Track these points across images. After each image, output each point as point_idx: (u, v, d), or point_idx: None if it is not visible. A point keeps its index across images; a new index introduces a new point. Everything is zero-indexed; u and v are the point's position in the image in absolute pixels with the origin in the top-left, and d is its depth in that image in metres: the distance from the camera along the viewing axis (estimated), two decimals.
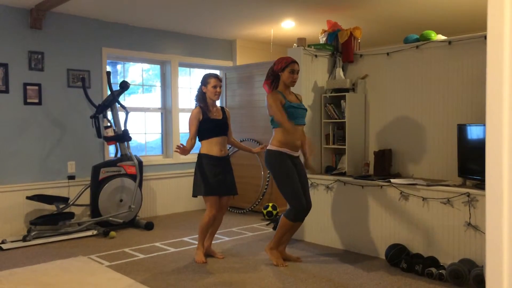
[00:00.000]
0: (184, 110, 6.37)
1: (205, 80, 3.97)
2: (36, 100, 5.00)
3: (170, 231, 5.05)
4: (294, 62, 3.73)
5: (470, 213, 3.41)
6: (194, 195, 3.95)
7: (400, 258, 3.66)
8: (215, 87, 3.93)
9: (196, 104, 4.04)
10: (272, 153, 3.71)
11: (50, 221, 4.70)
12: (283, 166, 3.67)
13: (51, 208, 4.91)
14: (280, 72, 3.72)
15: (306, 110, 3.85)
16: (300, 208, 3.65)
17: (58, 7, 4.82)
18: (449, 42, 4.01)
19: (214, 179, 3.82)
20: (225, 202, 3.99)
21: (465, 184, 3.68)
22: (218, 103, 6.96)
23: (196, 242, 4.55)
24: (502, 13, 1.12)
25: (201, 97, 3.99)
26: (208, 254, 4.03)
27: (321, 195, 4.37)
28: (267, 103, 3.72)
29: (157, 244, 4.52)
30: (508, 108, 1.09)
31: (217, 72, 6.74)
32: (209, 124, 3.90)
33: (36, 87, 4.99)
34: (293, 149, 3.72)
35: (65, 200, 4.94)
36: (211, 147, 3.88)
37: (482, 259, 3.26)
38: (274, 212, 5.47)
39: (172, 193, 6.11)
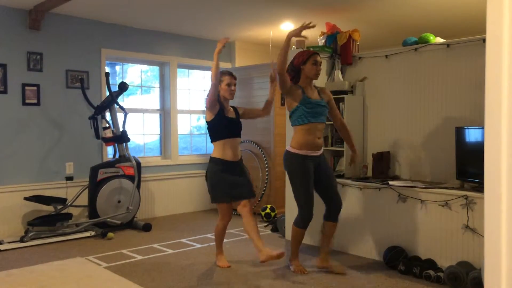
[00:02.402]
0: (182, 112, 6.38)
1: (220, 76, 3.63)
2: (35, 101, 4.99)
3: (168, 233, 5.04)
4: (316, 53, 3.56)
5: (468, 216, 3.42)
6: (213, 200, 3.68)
7: (398, 260, 3.67)
8: (229, 85, 3.62)
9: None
10: (289, 155, 3.56)
11: (48, 222, 4.69)
12: (298, 169, 3.51)
13: (49, 209, 4.90)
14: (301, 65, 3.53)
15: (326, 107, 3.61)
16: (306, 216, 3.54)
17: (57, 8, 4.82)
18: (448, 45, 4.02)
19: (226, 185, 3.57)
20: (245, 205, 3.57)
21: (463, 186, 3.68)
22: None
23: (194, 244, 4.57)
24: (501, 16, 1.13)
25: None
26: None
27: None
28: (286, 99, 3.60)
29: (155, 245, 4.51)
30: (507, 111, 1.10)
31: None
32: (224, 121, 3.58)
33: (35, 88, 4.98)
34: (313, 148, 3.53)
35: (63, 201, 4.93)
36: (225, 150, 3.58)
37: (480, 261, 3.26)
38: (273, 214, 5.47)
39: (170, 195, 6.11)
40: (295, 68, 3.57)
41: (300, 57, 3.56)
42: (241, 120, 3.76)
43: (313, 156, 3.54)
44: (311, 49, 4.61)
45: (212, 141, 3.66)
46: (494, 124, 1.12)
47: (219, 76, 3.56)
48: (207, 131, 3.82)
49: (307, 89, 3.58)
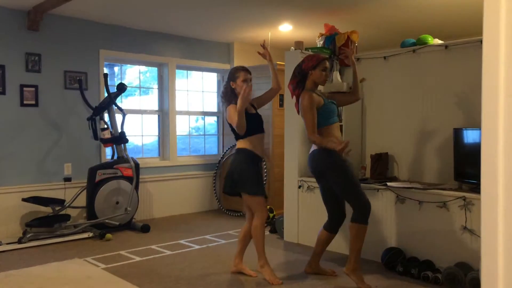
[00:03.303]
0: (181, 113, 6.37)
1: (233, 74, 3.48)
2: (33, 102, 4.98)
3: (166, 234, 5.04)
4: (326, 59, 3.48)
5: (466, 217, 3.42)
6: (255, 193, 3.37)
7: (396, 261, 3.67)
8: (245, 81, 3.44)
9: (224, 103, 3.52)
10: (326, 151, 3.30)
11: (46, 223, 4.69)
12: (339, 161, 3.34)
13: (47, 210, 4.90)
14: (311, 70, 3.41)
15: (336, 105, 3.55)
16: (369, 206, 3.33)
17: (55, 9, 4.82)
18: (446, 47, 4.03)
19: (260, 178, 3.45)
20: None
21: (461, 188, 3.69)
22: (214, 105, 6.96)
23: (193, 245, 4.56)
24: (497, 18, 1.13)
25: (231, 94, 3.46)
26: (240, 271, 3.62)
27: (318, 198, 4.37)
28: (301, 105, 3.37)
29: (153, 246, 4.51)
30: (503, 112, 1.10)
31: (215, 75, 6.76)
32: (250, 118, 3.38)
33: (33, 89, 4.98)
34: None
35: (61, 202, 4.92)
36: (255, 145, 3.40)
37: (478, 262, 3.27)
38: (271, 215, 5.46)
39: (168, 196, 6.10)
40: (303, 72, 3.44)
41: (310, 62, 3.44)
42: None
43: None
44: (310, 50, 4.62)
45: (237, 139, 3.45)
46: (491, 125, 1.12)
47: (233, 73, 3.49)
48: (230, 131, 3.56)
49: (317, 92, 3.50)
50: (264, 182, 3.58)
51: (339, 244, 4.13)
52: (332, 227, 3.55)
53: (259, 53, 3.73)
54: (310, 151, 3.48)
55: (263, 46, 3.68)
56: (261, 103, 3.69)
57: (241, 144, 3.43)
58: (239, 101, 3.19)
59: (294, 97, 3.51)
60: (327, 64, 3.47)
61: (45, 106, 5.07)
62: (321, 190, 3.54)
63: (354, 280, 3.34)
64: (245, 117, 3.32)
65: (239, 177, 3.39)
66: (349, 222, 3.36)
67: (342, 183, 3.34)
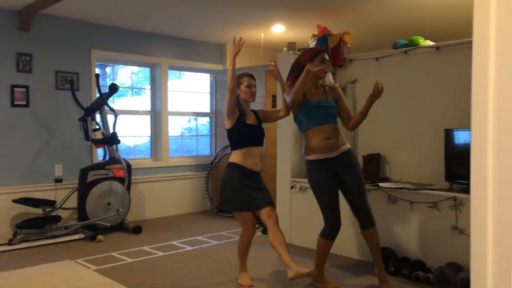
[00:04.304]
0: (173, 114, 6.36)
1: (237, 80, 3.34)
2: (24, 102, 4.95)
3: (158, 235, 5.02)
4: (323, 50, 3.34)
5: (456, 217, 3.44)
6: (220, 210, 3.33)
7: (387, 261, 3.68)
8: (249, 86, 3.34)
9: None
10: (306, 163, 3.35)
11: (37, 225, 4.65)
12: (313, 177, 3.29)
13: (37, 211, 4.86)
14: (308, 62, 3.23)
15: (332, 106, 3.34)
16: (331, 223, 3.24)
17: (47, 9, 4.79)
18: (437, 48, 4.05)
19: (247, 192, 3.26)
20: (269, 210, 3.27)
21: (452, 188, 3.71)
22: (207, 106, 6.94)
23: (185, 246, 4.55)
24: (487, 20, 1.14)
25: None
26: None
27: (310, 198, 4.37)
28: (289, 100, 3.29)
29: (145, 248, 4.49)
30: (493, 113, 1.11)
31: (207, 75, 6.75)
32: (244, 129, 3.30)
33: (24, 89, 4.94)
34: (328, 150, 3.24)
35: (52, 203, 4.89)
36: (245, 159, 3.27)
37: (469, 262, 3.28)
38: None
39: (161, 197, 6.08)
40: (300, 66, 3.26)
41: (307, 54, 3.31)
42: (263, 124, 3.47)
43: (329, 159, 3.25)
44: (302, 51, 4.62)
45: (232, 150, 3.38)
46: (480, 125, 1.13)
47: (237, 78, 3.31)
48: (223, 133, 3.54)
49: (311, 89, 3.32)
50: (266, 193, 3.42)
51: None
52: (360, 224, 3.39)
53: (269, 73, 3.60)
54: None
55: (274, 67, 3.51)
56: (266, 117, 3.53)
57: (232, 157, 3.34)
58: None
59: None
60: (326, 56, 3.31)
61: (36, 107, 5.04)
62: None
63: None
64: (243, 127, 3.30)
65: (224, 193, 3.33)
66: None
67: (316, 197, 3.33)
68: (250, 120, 3.37)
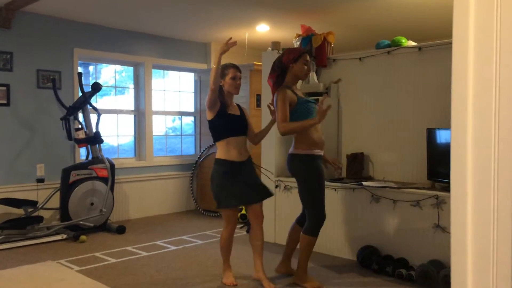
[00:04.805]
0: (158, 113, 6.32)
1: (222, 71, 3.30)
2: (4, 101, 4.87)
3: (142, 235, 4.99)
4: (307, 52, 3.39)
5: (438, 215, 3.49)
6: (219, 206, 3.32)
7: (371, 259, 3.72)
8: (234, 78, 3.30)
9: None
10: (304, 157, 3.28)
11: (18, 225, 4.58)
12: (317, 171, 3.28)
13: (19, 212, 4.79)
14: (292, 63, 3.27)
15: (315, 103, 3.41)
16: (322, 218, 3.30)
17: (28, 6, 4.71)
18: (419, 48, 4.10)
19: (232, 189, 3.26)
20: (259, 210, 3.37)
21: (434, 186, 3.77)
22: (192, 105, 6.91)
23: (169, 246, 4.53)
24: (466, 20, 1.16)
25: (219, 92, 3.30)
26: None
27: (294, 197, 4.39)
28: (275, 101, 3.28)
29: (129, 248, 4.46)
30: (472, 112, 1.13)
31: (191, 74, 6.72)
32: (226, 119, 3.27)
33: (5, 88, 4.86)
34: (323, 147, 3.35)
35: (33, 203, 4.82)
36: (229, 150, 3.26)
37: (450, 260, 3.34)
38: None
39: (144, 196, 6.04)
40: (283, 65, 3.31)
41: (291, 54, 3.31)
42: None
43: (321, 156, 3.38)
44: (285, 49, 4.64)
45: (215, 141, 3.35)
46: (459, 124, 1.15)
47: (222, 69, 3.29)
48: (207, 131, 3.48)
49: (294, 88, 3.37)
50: (258, 183, 3.44)
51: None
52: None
53: (269, 108, 3.57)
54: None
55: (270, 107, 3.54)
56: (246, 120, 3.47)
57: (217, 152, 3.34)
58: (217, 54, 3.09)
59: (272, 92, 3.41)
60: (308, 57, 3.37)
61: (17, 106, 4.96)
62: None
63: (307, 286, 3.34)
64: (225, 117, 3.27)
65: (213, 191, 3.34)
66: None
67: (306, 189, 3.32)
68: (232, 110, 3.35)
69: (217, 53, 3.12)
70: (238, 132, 3.32)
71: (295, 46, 4.82)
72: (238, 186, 3.27)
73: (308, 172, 3.29)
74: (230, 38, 3.12)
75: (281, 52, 4.54)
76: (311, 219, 3.29)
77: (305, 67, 3.33)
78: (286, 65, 3.32)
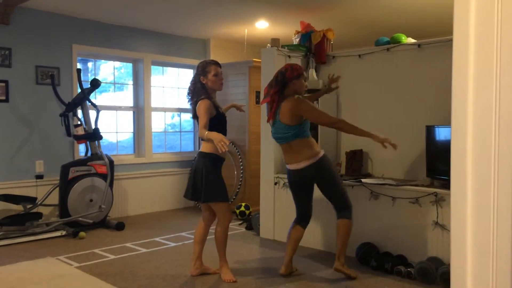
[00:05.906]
0: (157, 109, 6.31)
1: (204, 68, 3.33)
2: (3, 97, 4.86)
3: (141, 232, 4.99)
4: (304, 71, 3.58)
5: (437, 212, 3.50)
6: (213, 200, 3.34)
7: (370, 256, 3.72)
8: (216, 75, 3.33)
9: (194, 99, 3.36)
10: (323, 158, 3.46)
11: (17, 222, 4.58)
12: (334, 167, 3.66)
13: (18, 208, 4.78)
14: (294, 79, 3.43)
15: None
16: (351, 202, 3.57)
17: (27, 2, 4.70)
18: (419, 45, 4.10)
19: (224, 183, 3.39)
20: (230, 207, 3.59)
21: (433, 184, 3.77)
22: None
23: (168, 243, 4.53)
24: (467, 18, 1.16)
25: (201, 89, 3.31)
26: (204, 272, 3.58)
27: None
28: (309, 108, 3.39)
29: (128, 244, 4.46)
30: (472, 109, 1.13)
31: (190, 71, 6.71)
32: (220, 120, 3.34)
33: (3, 84, 4.85)
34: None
35: (32, 200, 4.82)
36: (216, 146, 3.18)
37: (449, 257, 3.34)
38: (247, 212, 5.47)
39: (143, 193, 6.04)
40: (286, 80, 3.43)
41: (295, 71, 3.46)
42: None
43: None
44: (286, 47, 4.65)
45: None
46: (460, 122, 1.15)
47: (203, 67, 3.36)
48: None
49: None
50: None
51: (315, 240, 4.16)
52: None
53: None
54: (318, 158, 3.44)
55: None
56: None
57: (205, 146, 3.31)
58: (214, 140, 3.02)
59: (274, 104, 3.44)
60: (305, 74, 3.57)
61: (16, 102, 4.95)
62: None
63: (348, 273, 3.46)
64: (218, 118, 3.31)
65: (206, 186, 3.28)
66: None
67: (337, 184, 3.53)
68: (221, 109, 3.44)
69: (214, 136, 3.01)
70: (225, 130, 3.36)
71: (294, 43, 4.82)
72: (223, 180, 3.39)
73: (332, 170, 3.52)
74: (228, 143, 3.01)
75: (280, 49, 4.54)
76: (348, 204, 3.51)
77: (305, 83, 3.53)
78: (289, 80, 3.44)
